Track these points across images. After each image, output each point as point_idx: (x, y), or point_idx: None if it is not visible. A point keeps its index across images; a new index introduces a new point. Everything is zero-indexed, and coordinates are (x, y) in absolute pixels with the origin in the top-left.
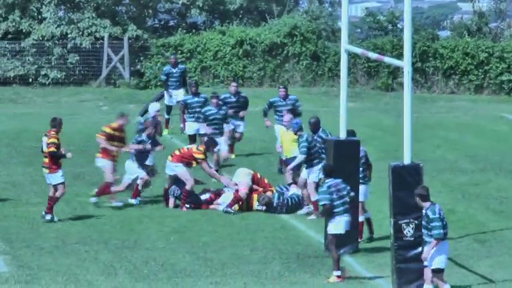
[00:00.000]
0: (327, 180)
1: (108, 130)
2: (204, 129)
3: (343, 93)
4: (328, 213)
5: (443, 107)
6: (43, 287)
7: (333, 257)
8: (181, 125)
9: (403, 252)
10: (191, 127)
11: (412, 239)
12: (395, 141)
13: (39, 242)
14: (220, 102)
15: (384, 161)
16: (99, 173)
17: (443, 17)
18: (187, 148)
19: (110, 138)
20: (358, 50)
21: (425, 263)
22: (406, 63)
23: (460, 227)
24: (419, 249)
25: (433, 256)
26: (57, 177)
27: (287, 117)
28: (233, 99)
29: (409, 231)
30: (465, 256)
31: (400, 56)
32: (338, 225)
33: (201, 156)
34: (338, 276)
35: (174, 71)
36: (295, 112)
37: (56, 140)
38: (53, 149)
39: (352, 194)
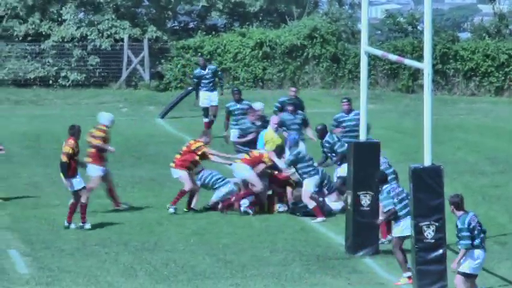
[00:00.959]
0: (384, 186)
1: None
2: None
3: (363, 95)
4: (394, 217)
5: (464, 109)
6: None
7: (398, 259)
8: (225, 133)
9: (424, 254)
10: (235, 134)
11: (433, 241)
12: (415, 143)
13: (59, 243)
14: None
15: (404, 163)
16: (118, 175)
17: (464, 18)
18: (258, 152)
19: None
20: (378, 52)
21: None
22: (426, 65)
23: None
24: (440, 251)
25: (462, 261)
26: (76, 184)
27: (275, 119)
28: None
29: (429, 233)
30: (486, 258)
31: (420, 58)
32: (403, 227)
33: (270, 162)
34: (409, 277)
35: (205, 73)
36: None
37: (69, 150)
38: (65, 159)
39: (409, 196)
